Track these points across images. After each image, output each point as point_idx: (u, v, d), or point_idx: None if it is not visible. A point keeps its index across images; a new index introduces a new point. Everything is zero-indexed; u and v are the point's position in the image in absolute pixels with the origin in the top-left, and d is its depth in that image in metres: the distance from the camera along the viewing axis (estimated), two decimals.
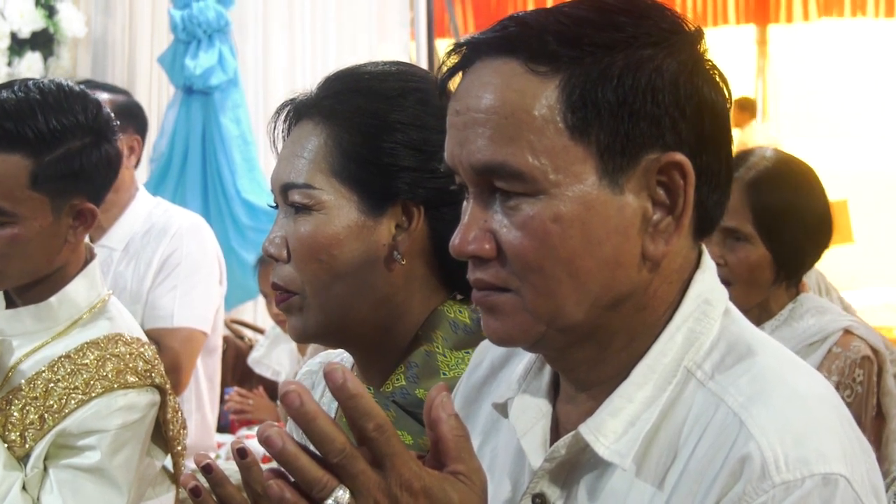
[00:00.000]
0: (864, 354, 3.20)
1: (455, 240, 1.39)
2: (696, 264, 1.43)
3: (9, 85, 2.42)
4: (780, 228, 3.12)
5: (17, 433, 2.44)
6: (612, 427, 1.37)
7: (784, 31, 9.66)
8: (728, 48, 9.68)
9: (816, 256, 3.23)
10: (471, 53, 1.40)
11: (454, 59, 1.43)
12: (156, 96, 7.28)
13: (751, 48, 9.84)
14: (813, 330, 3.21)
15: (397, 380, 1.86)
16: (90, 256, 2.58)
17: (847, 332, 3.23)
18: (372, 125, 1.84)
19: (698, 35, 1.40)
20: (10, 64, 6.67)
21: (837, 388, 3.12)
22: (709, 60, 1.40)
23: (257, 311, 6.60)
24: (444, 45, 7.14)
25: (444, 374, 1.83)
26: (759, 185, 3.13)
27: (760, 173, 3.16)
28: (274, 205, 1.91)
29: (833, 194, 3.35)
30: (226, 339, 5.29)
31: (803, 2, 9.29)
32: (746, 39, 9.82)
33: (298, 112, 1.89)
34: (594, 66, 1.34)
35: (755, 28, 9.75)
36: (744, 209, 3.12)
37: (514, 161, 1.34)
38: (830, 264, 3.99)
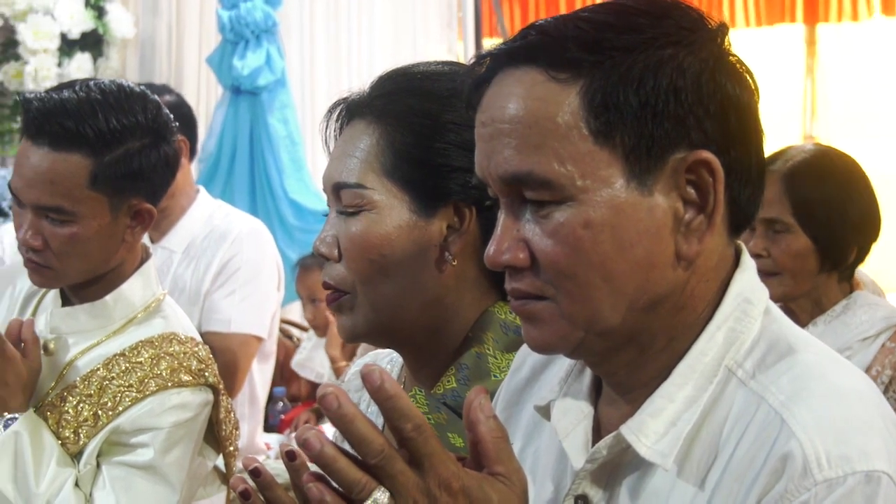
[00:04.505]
0: None
1: (489, 251, 1.39)
2: (735, 262, 1.43)
3: (70, 85, 2.44)
4: (818, 217, 3.12)
5: (71, 430, 2.45)
6: (654, 427, 1.36)
7: (833, 31, 9.59)
8: (776, 48, 9.61)
9: (864, 249, 3.22)
10: (494, 64, 1.40)
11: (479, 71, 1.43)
12: (203, 97, 7.30)
13: (799, 47, 9.76)
14: (867, 325, 3.20)
15: (448, 382, 1.85)
16: (146, 256, 2.59)
17: None
18: (424, 125, 1.83)
19: (721, 31, 1.39)
20: (60, 65, 6.71)
21: (892, 383, 3.11)
22: (733, 56, 1.39)
23: None
24: (491, 46, 7.11)
25: (494, 376, 1.83)
26: (796, 175, 3.14)
27: (798, 164, 3.16)
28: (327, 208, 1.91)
29: (883, 194, 3.33)
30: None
31: (852, 1, 9.21)
32: (795, 39, 9.75)
33: (351, 111, 1.89)
34: (614, 70, 1.33)
35: (804, 27, 9.68)
36: (782, 199, 3.13)
37: (540, 170, 1.34)
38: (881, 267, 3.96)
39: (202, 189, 4.20)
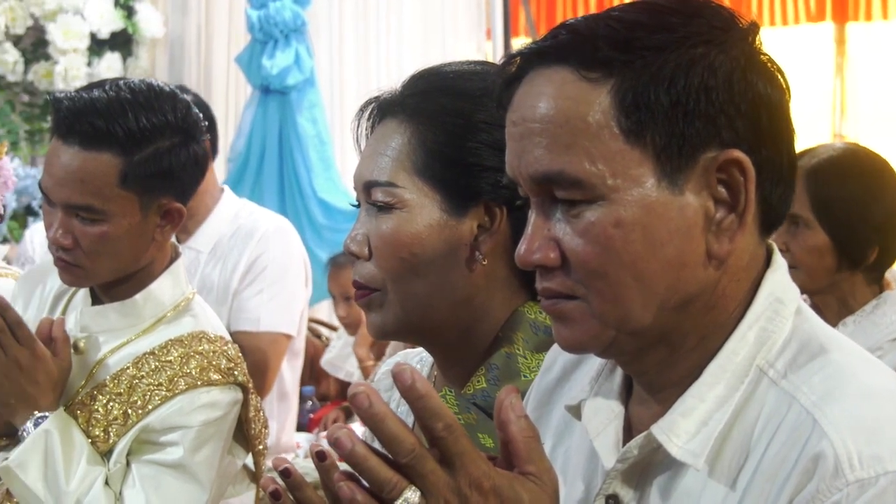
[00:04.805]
0: None
1: (520, 250, 1.38)
2: (766, 262, 1.42)
3: (100, 84, 2.44)
4: (837, 215, 3.11)
5: (101, 428, 2.46)
6: (685, 427, 1.36)
7: (863, 30, 9.54)
8: (806, 47, 9.56)
9: (888, 250, 3.20)
10: (524, 63, 1.40)
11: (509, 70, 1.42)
12: (233, 96, 7.33)
13: (829, 46, 9.72)
14: None
15: (478, 382, 1.85)
16: (175, 255, 2.59)
17: None
18: (456, 124, 1.83)
19: (752, 30, 1.39)
20: (89, 64, 6.74)
21: None
22: (764, 54, 1.39)
23: (333, 310, 6.63)
24: (520, 45, 7.12)
25: (524, 376, 1.82)
26: (818, 172, 3.13)
27: (822, 161, 3.15)
28: (356, 203, 1.91)
29: None
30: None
31: (883, 0, 9.17)
32: (824, 38, 9.71)
33: (382, 110, 1.89)
34: (645, 69, 1.33)
35: (833, 26, 9.64)
36: (802, 195, 3.12)
37: (571, 169, 1.34)
38: None
39: (227, 188, 4.21)
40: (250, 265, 4.06)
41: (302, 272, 4.22)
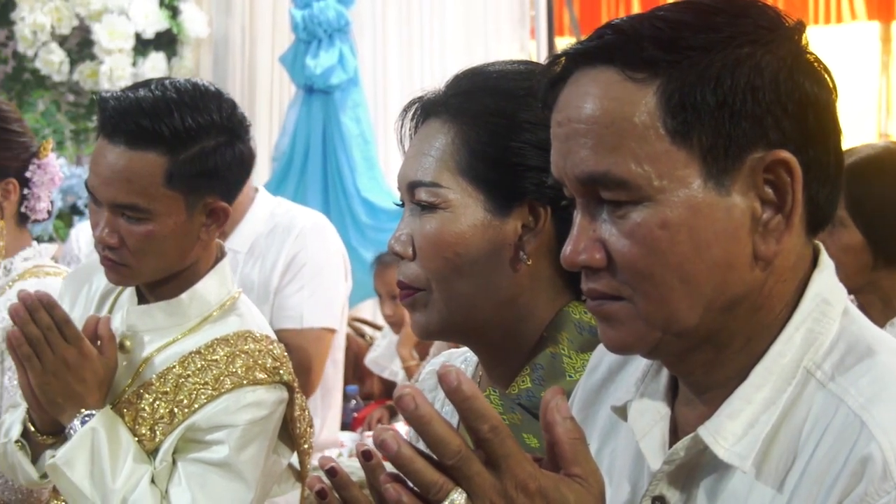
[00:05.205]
0: None
1: (566, 251, 1.38)
2: (813, 262, 1.42)
3: (146, 83, 2.45)
4: (870, 213, 3.10)
5: (147, 427, 2.47)
6: (732, 429, 1.35)
7: None
8: (851, 45, 9.52)
9: None
10: (569, 64, 1.40)
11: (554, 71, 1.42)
12: (277, 96, 7.35)
13: (874, 45, 9.67)
14: None
15: (523, 382, 1.84)
16: (221, 255, 2.60)
17: None
18: (500, 124, 1.83)
19: (798, 29, 1.38)
20: (134, 64, 6.77)
21: None
22: (811, 54, 1.38)
23: (377, 308, 6.64)
24: (564, 44, 7.11)
25: (569, 376, 1.82)
26: (854, 170, 3.11)
27: (861, 159, 3.13)
28: (400, 203, 1.91)
29: None
30: (346, 337, 5.31)
31: None
32: (870, 36, 9.66)
33: (426, 110, 1.89)
34: (692, 69, 1.32)
35: (879, 25, 9.59)
36: None
37: (617, 170, 1.33)
38: None
39: (261, 188, 4.22)
40: (289, 262, 4.07)
41: (341, 266, 4.23)
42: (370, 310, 6.86)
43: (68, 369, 2.41)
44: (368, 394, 5.96)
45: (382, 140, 6.88)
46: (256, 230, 4.08)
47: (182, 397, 2.46)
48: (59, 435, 2.48)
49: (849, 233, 3.11)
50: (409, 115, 1.92)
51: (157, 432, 2.46)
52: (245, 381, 2.46)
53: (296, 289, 4.06)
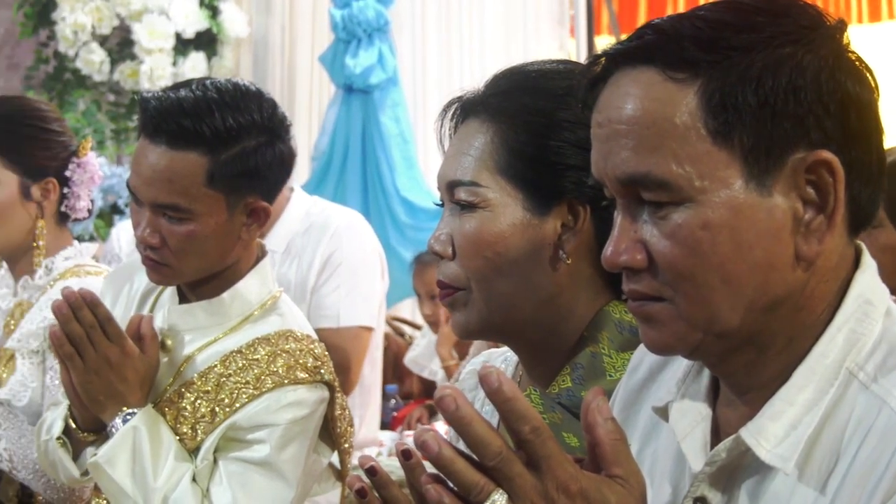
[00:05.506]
0: None
1: (607, 251, 1.38)
2: (855, 263, 1.41)
3: (187, 83, 2.46)
4: None
5: (189, 426, 2.48)
6: (774, 430, 1.35)
7: None
8: (893, 44, 9.46)
9: None
10: (609, 64, 1.39)
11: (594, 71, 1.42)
12: (316, 95, 7.37)
13: None
14: None
15: (563, 381, 1.84)
16: (262, 254, 2.61)
17: None
18: (539, 123, 1.83)
19: (839, 28, 1.37)
20: (174, 64, 6.80)
21: None
22: (852, 53, 1.37)
23: (416, 308, 6.65)
24: (603, 43, 7.10)
25: (609, 375, 1.81)
26: (892, 170, 3.08)
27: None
28: (439, 202, 1.91)
29: None
30: (385, 336, 5.31)
31: None
32: None
33: (465, 110, 1.89)
34: (733, 69, 1.32)
35: None
36: None
37: (658, 171, 1.33)
38: None
39: (297, 187, 4.22)
40: (325, 261, 4.07)
41: (377, 264, 4.23)
42: (409, 309, 6.87)
43: (110, 368, 2.42)
44: (408, 393, 5.97)
45: (421, 139, 6.89)
46: (292, 230, 4.09)
47: (223, 396, 2.47)
48: (100, 433, 2.49)
49: (886, 233, 3.09)
50: (449, 114, 1.92)
51: (199, 431, 2.47)
52: (286, 381, 2.47)
53: (332, 288, 4.07)
